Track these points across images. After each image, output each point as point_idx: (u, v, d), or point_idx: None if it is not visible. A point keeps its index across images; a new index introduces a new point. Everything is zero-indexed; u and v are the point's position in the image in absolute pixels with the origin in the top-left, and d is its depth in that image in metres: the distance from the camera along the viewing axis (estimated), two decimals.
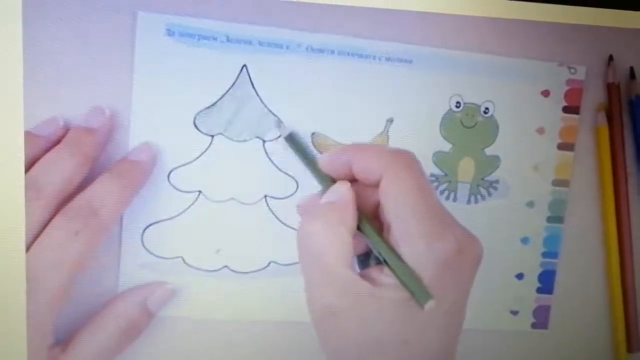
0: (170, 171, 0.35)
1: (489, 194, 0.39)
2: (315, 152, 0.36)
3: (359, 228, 0.31)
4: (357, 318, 0.29)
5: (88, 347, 0.33)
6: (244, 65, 0.35)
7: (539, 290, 0.40)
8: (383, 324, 0.29)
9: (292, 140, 0.35)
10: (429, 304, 0.29)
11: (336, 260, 0.30)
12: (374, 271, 0.31)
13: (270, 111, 0.36)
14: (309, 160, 0.34)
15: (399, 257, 0.30)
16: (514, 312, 0.40)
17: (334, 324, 0.30)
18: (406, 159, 0.31)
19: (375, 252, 0.31)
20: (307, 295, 0.31)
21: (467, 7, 0.36)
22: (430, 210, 0.30)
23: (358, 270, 0.32)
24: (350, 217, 0.31)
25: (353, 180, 0.32)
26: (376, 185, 0.31)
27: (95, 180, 0.32)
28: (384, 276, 0.30)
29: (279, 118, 0.36)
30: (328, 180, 0.33)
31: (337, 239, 0.30)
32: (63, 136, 0.33)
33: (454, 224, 0.31)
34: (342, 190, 0.32)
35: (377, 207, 0.32)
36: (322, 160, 0.33)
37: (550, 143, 0.39)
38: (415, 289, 0.29)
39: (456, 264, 0.30)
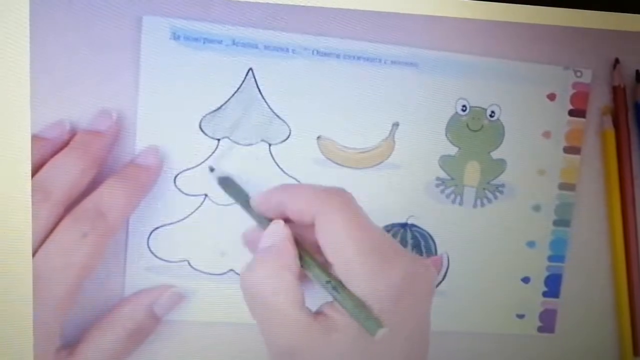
0: (177, 175, 0.35)
1: (495, 198, 0.38)
2: (248, 191, 0.35)
3: (302, 265, 0.31)
4: (315, 356, 0.29)
5: (95, 350, 0.33)
6: (250, 69, 0.35)
7: (545, 294, 0.40)
8: None
9: (226, 183, 0.35)
10: (380, 333, 0.29)
11: (286, 304, 0.30)
12: (326, 307, 0.30)
13: (277, 115, 0.36)
14: (242, 200, 0.34)
15: (345, 290, 0.30)
16: (520, 316, 0.40)
17: None
18: (337, 198, 0.31)
19: (321, 287, 0.31)
20: (263, 335, 0.31)
21: (473, 11, 0.36)
22: (369, 246, 0.30)
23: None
24: (291, 259, 0.31)
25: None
26: (312, 225, 0.31)
27: (103, 183, 0.33)
28: (336, 312, 0.30)
29: (211, 166, 0.35)
30: (265, 219, 0.33)
31: (283, 284, 0.30)
32: (70, 139, 0.33)
33: (399, 253, 0.31)
34: (278, 233, 0.31)
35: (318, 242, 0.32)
36: (255, 201, 0.33)
37: (557, 146, 0.39)
38: (363, 319, 0.29)
39: (408, 292, 0.30)
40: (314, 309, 0.31)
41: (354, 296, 0.29)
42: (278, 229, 0.32)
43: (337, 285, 0.30)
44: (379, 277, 0.29)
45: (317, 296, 0.31)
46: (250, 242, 0.35)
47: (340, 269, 0.30)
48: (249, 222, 0.34)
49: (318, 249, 0.31)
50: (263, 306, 0.30)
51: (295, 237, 0.32)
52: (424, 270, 0.31)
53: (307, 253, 0.31)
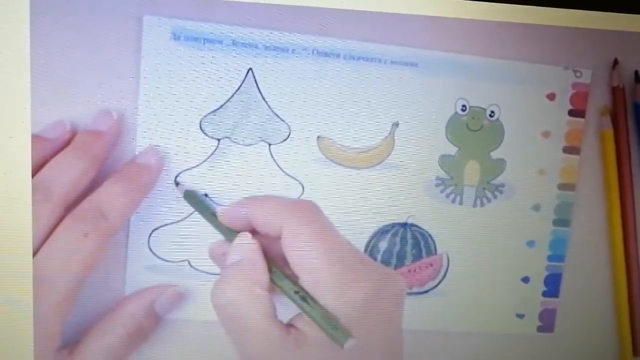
0: (177, 174, 0.35)
1: (495, 198, 0.39)
2: (214, 205, 0.35)
3: (270, 277, 0.31)
4: None
5: (95, 350, 0.33)
6: (250, 69, 0.35)
7: (544, 294, 0.40)
8: None
9: (190, 197, 0.35)
10: (349, 343, 0.29)
11: (258, 318, 0.30)
12: (296, 320, 0.31)
13: (277, 115, 0.36)
14: (208, 214, 0.34)
15: (313, 301, 0.30)
16: (520, 316, 0.40)
17: None
18: (304, 210, 0.32)
19: (291, 300, 0.31)
20: (236, 349, 0.31)
21: (473, 11, 0.36)
22: (336, 257, 0.30)
23: None
24: (260, 273, 0.31)
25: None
26: (279, 237, 0.31)
27: (103, 183, 0.33)
28: (305, 325, 0.30)
29: (176, 180, 0.35)
30: (232, 232, 0.33)
31: (254, 300, 0.30)
32: (70, 139, 0.33)
33: (367, 265, 0.31)
34: (246, 246, 0.32)
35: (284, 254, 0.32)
36: (221, 214, 0.34)
37: (556, 146, 0.39)
38: (331, 329, 0.29)
39: (377, 304, 0.30)
40: (284, 320, 0.31)
41: (321, 307, 0.30)
42: (246, 241, 0.32)
43: (305, 296, 0.30)
44: (346, 288, 0.30)
45: (288, 308, 0.32)
46: (218, 256, 0.35)
47: (307, 281, 0.31)
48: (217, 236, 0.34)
49: (285, 261, 0.32)
50: (235, 320, 0.31)
51: (263, 249, 0.32)
52: (392, 281, 0.31)
53: (275, 265, 0.32)
